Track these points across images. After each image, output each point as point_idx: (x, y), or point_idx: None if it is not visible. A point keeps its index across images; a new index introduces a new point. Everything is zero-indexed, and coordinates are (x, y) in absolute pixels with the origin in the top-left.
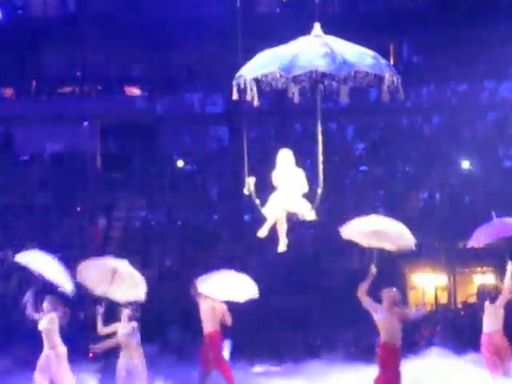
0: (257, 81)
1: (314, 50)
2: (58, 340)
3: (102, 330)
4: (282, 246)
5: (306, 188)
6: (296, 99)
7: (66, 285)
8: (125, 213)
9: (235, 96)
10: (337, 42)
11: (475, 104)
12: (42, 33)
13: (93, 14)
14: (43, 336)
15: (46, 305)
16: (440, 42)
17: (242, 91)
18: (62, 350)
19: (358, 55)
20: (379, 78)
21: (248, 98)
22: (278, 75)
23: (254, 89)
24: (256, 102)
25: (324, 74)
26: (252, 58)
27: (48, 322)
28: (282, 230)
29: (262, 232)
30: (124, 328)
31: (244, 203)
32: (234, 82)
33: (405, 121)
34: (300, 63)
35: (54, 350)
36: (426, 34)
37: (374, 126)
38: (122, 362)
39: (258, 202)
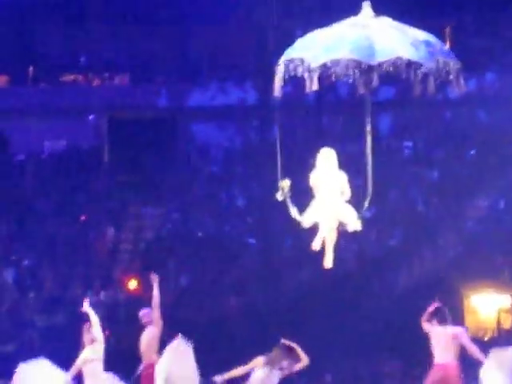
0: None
1: (389, 34)
2: None
3: None
4: (329, 261)
5: (348, 195)
6: (362, 90)
7: None
8: (136, 222)
9: (279, 84)
10: (401, 26)
11: None
12: (40, 12)
13: None
14: None
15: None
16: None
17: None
18: None
19: (435, 42)
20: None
21: (311, 87)
22: (349, 62)
23: (315, 77)
24: (311, 90)
25: (409, 63)
26: (293, 41)
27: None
28: (331, 242)
29: (316, 243)
30: None
31: (277, 211)
32: (282, 69)
33: (462, 114)
34: (381, 49)
35: None
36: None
37: (426, 122)
38: None
39: (294, 209)
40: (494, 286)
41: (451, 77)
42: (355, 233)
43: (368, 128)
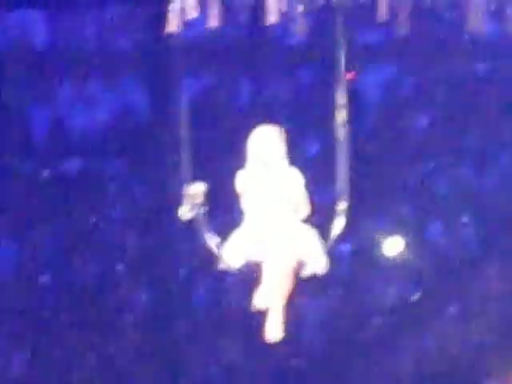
0: None
1: None
2: None
3: None
4: (275, 331)
5: (306, 211)
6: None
7: None
8: None
9: (180, 17)
10: None
11: None
12: None
13: None
14: None
15: None
16: None
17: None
18: None
19: None
20: None
21: (264, 20)
22: None
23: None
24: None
25: None
26: None
27: None
28: (280, 297)
29: (260, 300)
30: None
31: (183, 239)
32: None
33: (507, 67)
34: None
35: None
36: None
37: (450, 80)
38: None
39: (213, 238)
40: None
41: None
42: (321, 280)
43: (341, 95)
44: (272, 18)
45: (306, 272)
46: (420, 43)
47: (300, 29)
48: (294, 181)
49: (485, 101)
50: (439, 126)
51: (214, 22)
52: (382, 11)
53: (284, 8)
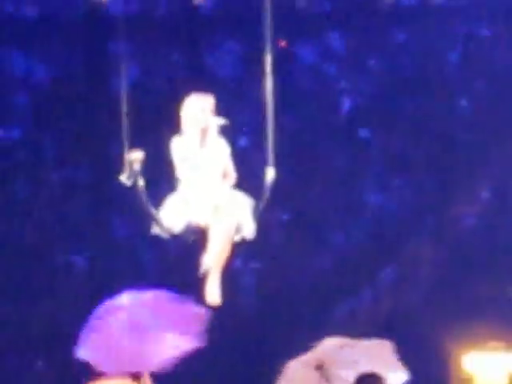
0: None
1: None
2: None
3: None
4: (214, 294)
5: (232, 177)
6: None
7: None
8: None
9: None
10: None
11: None
12: None
13: None
14: None
15: None
16: None
17: None
18: None
19: None
20: None
21: None
22: None
23: None
24: None
25: None
26: None
27: None
28: (219, 260)
29: (207, 263)
30: None
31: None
32: None
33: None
34: None
35: None
36: None
37: (386, 50)
38: None
39: (152, 208)
40: (502, 339)
41: None
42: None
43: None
44: None
45: (238, 236)
46: None
47: None
48: (223, 149)
49: None
50: None
51: None
52: None
53: None
